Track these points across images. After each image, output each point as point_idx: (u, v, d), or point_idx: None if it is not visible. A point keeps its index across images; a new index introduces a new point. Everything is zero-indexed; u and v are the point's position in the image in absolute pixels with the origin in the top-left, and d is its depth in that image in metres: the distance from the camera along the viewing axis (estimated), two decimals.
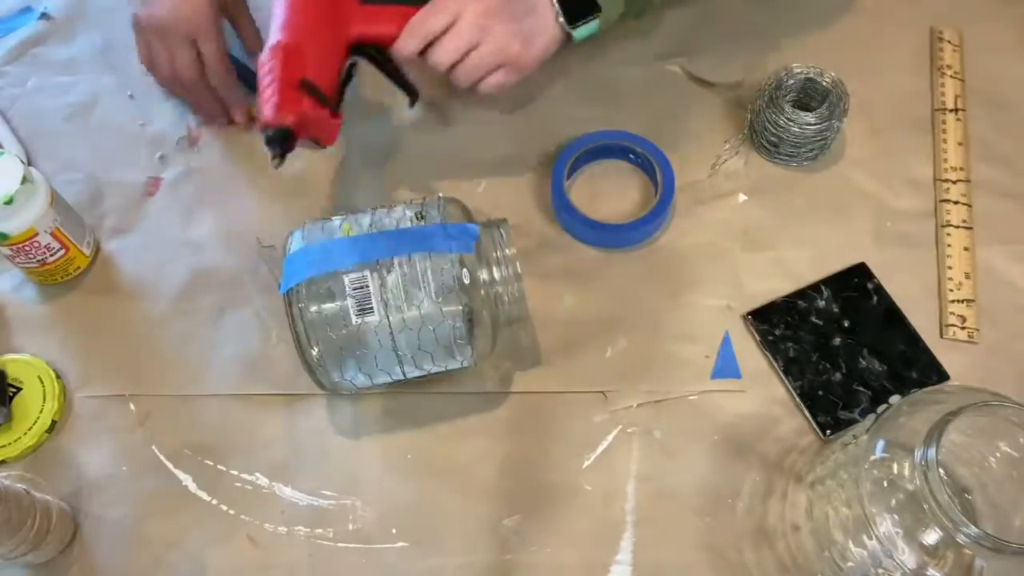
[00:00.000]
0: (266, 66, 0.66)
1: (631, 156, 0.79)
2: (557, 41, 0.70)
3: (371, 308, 0.61)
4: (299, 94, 0.65)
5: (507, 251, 0.65)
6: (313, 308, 0.62)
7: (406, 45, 0.68)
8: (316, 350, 0.62)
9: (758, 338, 0.72)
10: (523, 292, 0.65)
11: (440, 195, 0.68)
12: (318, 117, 0.66)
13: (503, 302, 0.64)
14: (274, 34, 0.67)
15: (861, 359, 0.71)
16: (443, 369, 0.67)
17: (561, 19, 0.68)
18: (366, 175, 0.81)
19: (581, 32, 0.70)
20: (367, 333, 0.62)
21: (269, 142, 0.65)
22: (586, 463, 0.68)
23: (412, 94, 0.73)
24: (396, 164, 0.81)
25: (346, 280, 0.62)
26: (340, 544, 0.66)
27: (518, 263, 0.64)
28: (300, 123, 0.66)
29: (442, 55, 0.68)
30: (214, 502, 0.68)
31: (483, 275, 0.63)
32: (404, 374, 0.66)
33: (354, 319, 0.62)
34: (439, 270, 0.62)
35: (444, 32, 0.68)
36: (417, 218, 0.64)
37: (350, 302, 0.61)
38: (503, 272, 0.64)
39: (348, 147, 0.82)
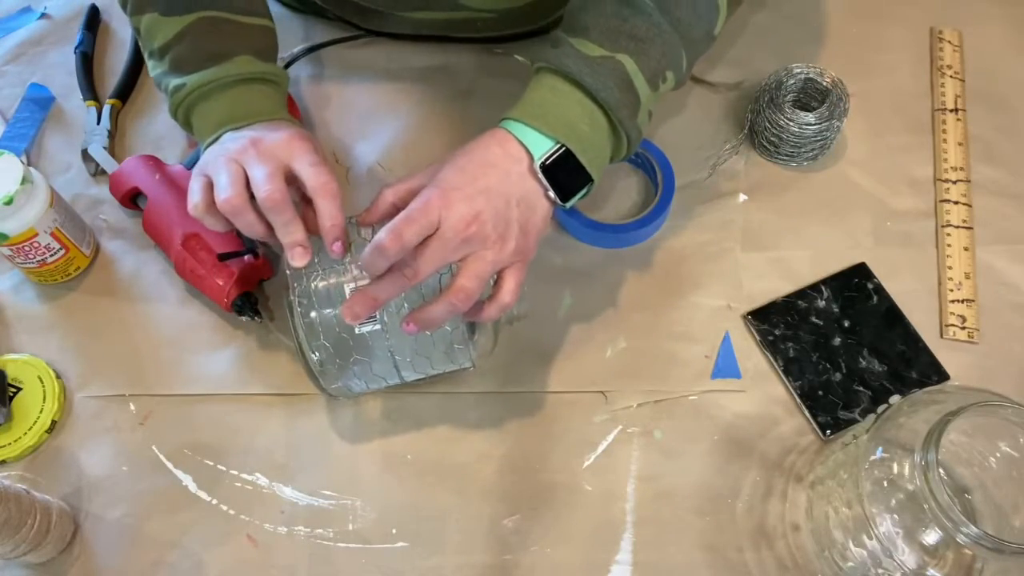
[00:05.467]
0: (186, 267, 0.72)
1: (631, 156, 0.79)
2: (550, 214, 0.63)
3: (372, 315, 0.61)
4: (225, 266, 0.71)
5: None
6: (313, 313, 0.62)
7: (374, 262, 0.58)
8: (317, 355, 0.62)
9: (758, 338, 0.72)
10: (523, 290, 0.65)
11: None
12: (250, 267, 0.72)
13: None
14: (169, 242, 0.73)
15: (861, 359, 0.71)
16: (443, 372, 0.67)
17: (552, 194, 0.61)
18: (367, 177, 0.81)
19: (573, 201, 0.63)
20: (367, 339, 0.62)
21: (242, 313, 0.72)
22: (586, 463, 0.68)
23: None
24: (396, 166, 0.81)
25: (347, 289, 0.62)
26: (340, 544, 0.66)
27: None
28: (243, 281, 0.72)
29: (427, 265, 0.58)
30: (214, 502, 0.68)
31: None
32: (404, 379, 0.66)
33: (355, 326, 0.62)
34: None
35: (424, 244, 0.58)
36: None
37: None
38: None
39: (351, 158, 0.82)
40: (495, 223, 0.58)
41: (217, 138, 0.66)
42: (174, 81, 0.68)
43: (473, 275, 0.58)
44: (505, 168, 0.60)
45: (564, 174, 0.61)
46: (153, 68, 0.71)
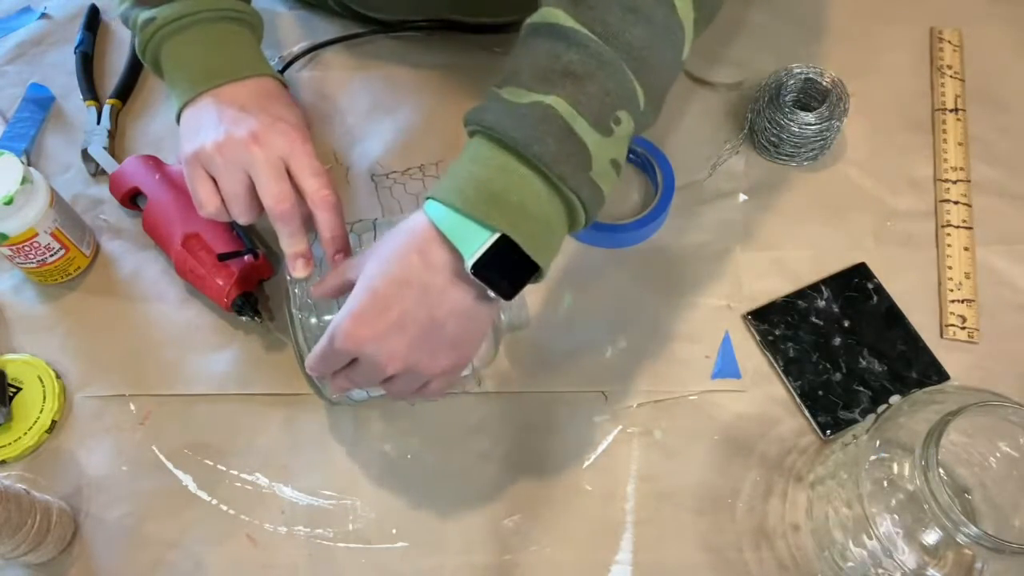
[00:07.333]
0: (186, 266, 0.72)
1: (630, 156, 0.79)
2: (493, 315, 0.57)
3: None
4: (225, 266, 0.71)
5: None
6: (313, 320, 0.62)
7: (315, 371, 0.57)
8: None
9: (758, 338, 0.72)
10: (524, 299, 0.64)
11: None
12: (250, 267, 0.72)
13: (505, 309, 0.64)
14: (169, 242, 0.74)
15: (861, 359, 0.71)
16: None
17: (492, 294, 0.52)
18: (368, 183, 0.81)
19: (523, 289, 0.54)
20: None
21: (242, 313, 0.72)
22: (586, 463, 0.68)
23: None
24: (396, 166, 0.81)
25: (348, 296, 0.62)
26: (340, 544, 0.66)
27: None
28: (243, 281, 0.72)
29: (346, 384, 0.57)
30: (214, 502, 0.68)
31: None
32: None
33: None
34: None
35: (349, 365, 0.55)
36: None
37: None
38: None
39: (351, 158, 0.82)
40: (418, 353, 0.53)
41: (194, 98, 0.64)
42: (143, 14, 0.66)
43: (397, 392, 0.57)
44: (423, 284, 0.51)
45: (504, 266, 0.51)
46: (120, 3, 0.68)
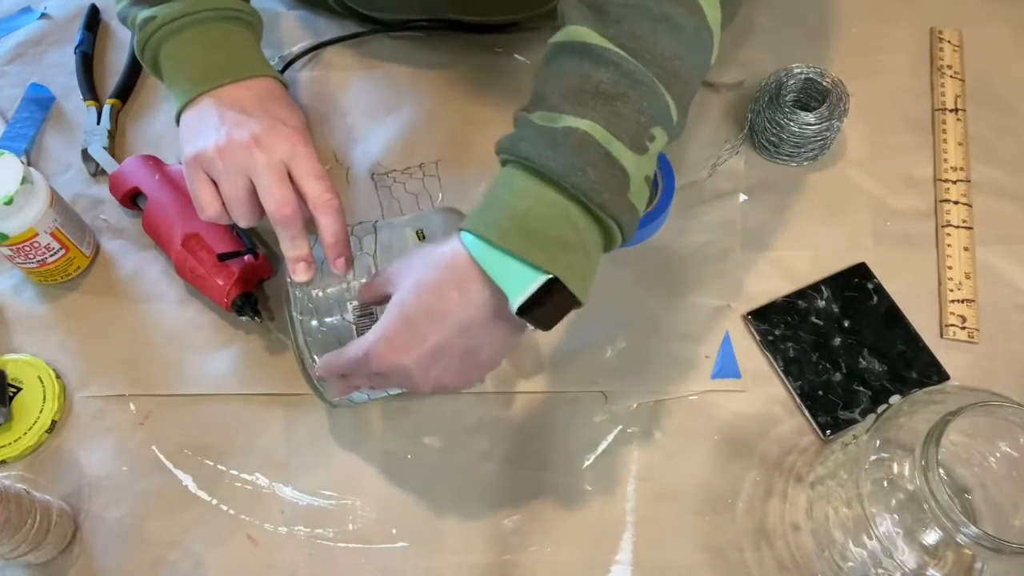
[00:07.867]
0: (186, 266, 0.72)
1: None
2: (523, 336, 0.57)
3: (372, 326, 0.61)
4: (225, 266, 0.71)
5: None
6: (314, 322, 0.62)
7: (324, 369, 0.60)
8: (317, 363, 0.62)
9: (758, 338, 0.72)
10: None
11: (439, 206, 0.67)
12: (250, 267, 0.72)
13: None
14: (169, 242, 0.73)
15: (861, 359, 0.71)
16: None
17: (531, 327, 0.52)
18: (369, 183, 0.80)
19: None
20: None
21: (242, 313, 0.71)
22: (586, 463, 0.68)
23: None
24: (396, 166, 0.81)
25: (350, 307, 0.62)
26: (340, 544, 0.66)
27: None
28: (243, 281, 0.71)
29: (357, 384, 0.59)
30: (214, 502, 0.68)
31: None
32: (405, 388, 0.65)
33: (356, 335, 0.61)
34: None
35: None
36: (419, 237, 0.63)
37: (352, 320, 0.61)
38: None
39: (352, 158, 0.82)
40: (451, 375, 0.54)
41: (194, 99, 0.64)
42: (142, 13, 0.66)
43: (419, 394, 0.59)
44: (462, 320, 0.52)
45: (549, 305, 0.50)
46: (119, 1, 0.69)
